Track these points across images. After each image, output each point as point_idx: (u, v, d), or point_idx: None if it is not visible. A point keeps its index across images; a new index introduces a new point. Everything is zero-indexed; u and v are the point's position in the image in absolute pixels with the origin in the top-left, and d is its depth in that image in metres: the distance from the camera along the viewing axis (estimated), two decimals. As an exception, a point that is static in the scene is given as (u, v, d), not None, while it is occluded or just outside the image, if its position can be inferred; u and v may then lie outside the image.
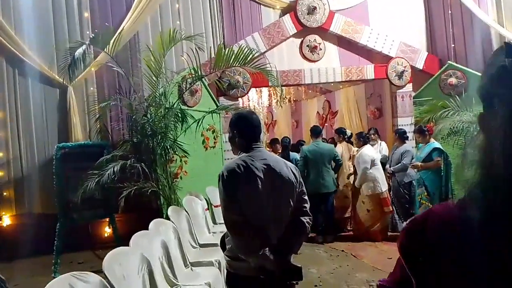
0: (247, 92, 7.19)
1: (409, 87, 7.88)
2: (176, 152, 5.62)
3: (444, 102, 7.09)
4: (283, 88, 9.86)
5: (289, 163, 2.37)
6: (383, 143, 7.47)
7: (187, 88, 5.66)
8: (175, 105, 5.61)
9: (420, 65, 7.91)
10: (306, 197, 2.37)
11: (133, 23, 6.55)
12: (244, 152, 2.27)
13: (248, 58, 5.02)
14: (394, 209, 7.02)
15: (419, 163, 6.16)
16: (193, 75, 5.35)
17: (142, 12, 6.61)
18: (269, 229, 2.18)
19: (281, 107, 11.21)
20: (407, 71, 7.75)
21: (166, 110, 5.44)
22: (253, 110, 11.92)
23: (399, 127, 7.51)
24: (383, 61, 7.81)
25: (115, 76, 6.36)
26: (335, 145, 7.34)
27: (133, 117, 5.21)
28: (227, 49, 5.03)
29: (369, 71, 7.70)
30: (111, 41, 5.31)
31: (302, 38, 7.51)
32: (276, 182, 2.22)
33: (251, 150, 2.27)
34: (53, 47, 6.33)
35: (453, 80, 7.40)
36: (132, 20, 6.55)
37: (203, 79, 6.32)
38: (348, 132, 7.70)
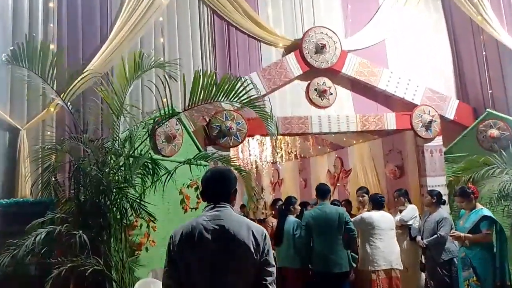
0: (242, 141, 5.90)
1: (439, 140, 6.54)
2: (141, 215, 4.26)
3: (486, 158, 5.69)
4: (287, 139, 8.63)
5: (254, 227, 2.17)
6: (410, 205, 5.99)
7: (154, 130, 4.42)
8: (144, 154, 4.36)
9: (450, 114, 6.63)
10: (270, 269, 2.12)
11: (106, 57, 5.47)
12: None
13: (238, 90, 3.79)
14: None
15: (463, 234, 4.66)
16: (165, 114, 4.11)
17: (119, 46, 5.56)
18: None
19: (281, 161, 9.85)
20: (435, 121, 6.46)
21: (130, 160, 4.17)
22: (255, 165, 10.66)
23: (430, 189, 6.07)
24: (406, 109, 6.57)
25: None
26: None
27: (79, 166, 3.91)
28: (207, 75, 3.82)
29: (390, 120, 6.43)
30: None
31: (309, 81, 6.36)
32: (229, 246, 2.07)
33: (211, 209, 2.17)
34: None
35: (494, 132, 6.06)
36: (106, 54, 5.48)
37: (185, 124, 5.11)
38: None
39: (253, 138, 9.36)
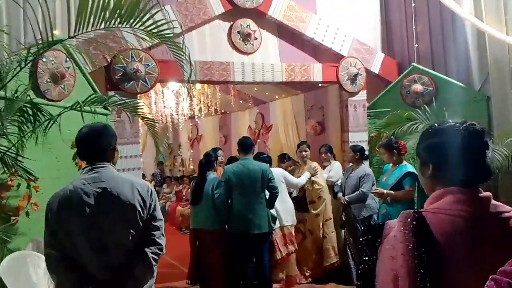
0: (152, 87, 5.05)
1: (363, 94, 6.31)
2: (18, 173, 3.35)
3: (409, 113, 5.56)
4: (206, 90, 7.90)
5: (139, 184, 2.09)
6: (336, 163, 5.74)
7: (33, 65, 3.45)
8: (20, 96, 3.38)
9: (375, 68, 6.41)
10: (158, 223, 2.08)
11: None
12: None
13: (140, 13, 2.94)
14: (348, 252, 5.28)
15: (385, 191, 4.47)
16: (44, 43, 3.14)
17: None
18: (99, 263, 1.95)
19: (200, 115, 9.09)
20: (361, 74, 6.18)
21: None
22: (171, 119, 9.78)
23: (352, 144, 5.86)
24: (332, 60, 6.18)
25: None
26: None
27: None
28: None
29: (316, 71, 6.00)
30: None
31: (232, 22, 5.62)
32: (113, 208, 1.99)
33: (89, 171, 2.05)
34: None
35: (418, 87, 5.95)
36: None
37: (78, 62, 4.13)
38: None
39: (168, 88, 8.45)
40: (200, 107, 8.55)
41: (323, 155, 5.70)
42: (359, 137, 6.17)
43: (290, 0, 5.79)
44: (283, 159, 5.82)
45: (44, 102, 3.77)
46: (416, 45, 6.28)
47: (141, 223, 2.01)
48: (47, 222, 2.04)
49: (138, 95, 5.23)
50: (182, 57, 3.29)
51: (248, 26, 5.64)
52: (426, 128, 1.30)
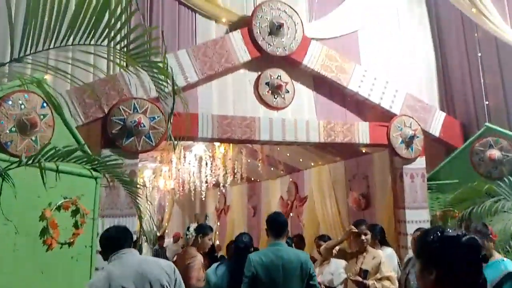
0: (157, 145, 4.04)
1: (421, 162, 5.07)
2: None
3: (490, 186, 4.22)
4: (229, 153, 6.89)
5: (164, 264, 2.47)
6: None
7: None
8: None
9: (435, 130, 5.22)
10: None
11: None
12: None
13: (113, 23, 1.99)
14: None
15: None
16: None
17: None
18: None
19: (225, 183, 7.95)
20: (418, 137, 5.01)
21: None
22: (193, 187, 8.76)
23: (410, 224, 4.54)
24: (380, 119, 5.08)
25: None
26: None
27: None
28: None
29: (362, 131, 4.88)
30: None
31: (259, 72, 4.73)
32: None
33: (117, 258, 2.39)
34: None
35: (495, 153, 4.65)
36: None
37: (58, 106, 3.25)
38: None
39: (191, 152, 7.55)
40: (225, 173, 7.50)
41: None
42: (418, 216, 4.85)
43: (329, 48, 4.88)
44: (322, 241, 4.52)
45: (4, 158, 2.84)
46: (487, 102, 5.09)
47: None
48: None
49: (145, 155, 4.30)
50: (162, 83, 2.24)
51: (279, 77, 4.72)
52: (429, 235, 1.31)
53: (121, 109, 3.86)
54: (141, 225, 2.84)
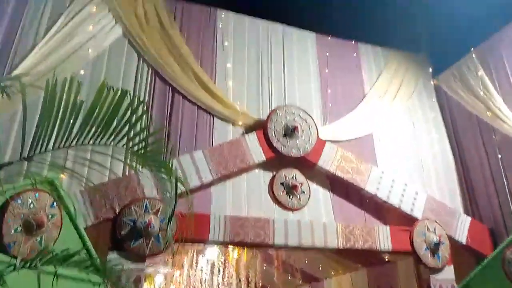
0: (166, 248, 3.86)
1: (450, 272, 4.67)
2: None
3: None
4: (242, 258, 6.53)
5: None
6: None
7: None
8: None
9: (461, 236, 4.89)
10: None
11: None
12: None
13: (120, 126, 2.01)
14: None
15: None
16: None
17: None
18: None
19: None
20: (443, 243, 4.69)
21: None
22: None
23: None
24: (403, 223, 4.83)
25: None
26: None
27: None
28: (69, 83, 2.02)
29: (383, 236, 4.61)
30: None
31: (274, 172, 4.70)
32: None
33: None
34: None
35: (531, 262, 4.26)
36: None
37: (67, 204, 3.21)
38: None
39: (203, 256, 7.21)
40: (239, 281, 7.03)
41: None
42: (452, 334, 4.30)
43: (344, 150, 4.88)
44: None
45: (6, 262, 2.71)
46: (514, 206, 4.84)
47: None
48: None
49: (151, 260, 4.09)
50: (168, 183, 2.17)
51: (294, 177, 4.67)
52: None
53: (133, 209, 3.79)
54: None
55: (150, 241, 3.74)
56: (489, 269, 4.59)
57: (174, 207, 2.05)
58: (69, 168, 2.31)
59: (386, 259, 5.99)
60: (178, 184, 2.25)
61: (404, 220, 4.84)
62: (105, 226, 3.80)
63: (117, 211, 3.79)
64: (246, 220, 4.20)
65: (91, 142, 1.98)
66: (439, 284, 4.54)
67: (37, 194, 3.03)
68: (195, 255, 7.19)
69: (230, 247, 6.43)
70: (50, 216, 3.08)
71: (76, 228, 3.31)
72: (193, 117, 4.64)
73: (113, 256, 3.54)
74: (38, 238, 3.00)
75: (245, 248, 6.63)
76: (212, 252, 7.03)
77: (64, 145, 1.97)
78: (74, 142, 1.97)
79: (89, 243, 3.32)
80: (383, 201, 4.80)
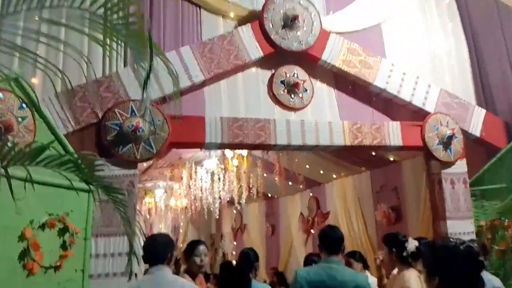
0: (159, 153, 3.54)
1: (462, 166, 4.45)
2: None
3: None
4: (243, 165, 6.34)
5: (187, 285, 2.51)
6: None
7: None
8: None
9: (475, 129, 4.60)
10: None
11: None
12: None
13: None
14: None
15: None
16: None
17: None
18: None
19: (240, 199, 7.32)
20: (457, 137, 4.40)
21: None
22: (203, 205, 8.22)
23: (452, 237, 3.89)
24: (413, 119, 4.50)
25: None
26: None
27: None
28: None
29: (393, 132, 4.29)
30: None
31: (273, 69, 4.23)
32: None
33: (148, 274, 2.55)
34: None
35: (550, 152, 4.02)
36: None
37: (39, 107, 2.80)
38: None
39: (202, 167, 7.05)
40: (240, 187, 6.94)
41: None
42: (461, 227, 4.20)
43: (350, 42, 4.36)
44: (353, 258, 3.90)
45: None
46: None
47: None
48: None
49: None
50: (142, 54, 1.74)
51: (295, 75, 4.21)
52: (432, 245, 1.58)
53: (117, 112, 3.40)
54: (131, 245, 2.34)
55: (140, 146, 3.41)
56: (504, 161, 4.39)
57: (150, 66, 1.62)
58: (46, 60, 1.85)
59: (392, 159, 5.83)
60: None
61: (415, 117, 4.51)
62: (88, 133, 3.45)
63: (100, 115, 3.41)
64: (245, 121, 3.83)
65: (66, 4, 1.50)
66: (450, 178, 4.34)
67: (1, 94, 2.60)
68: (193, 166, 7.02)
69: (229, 155, 6.22)
70: (20, 119, 2.69)
71: (53, 131, 2.94)
72: (177, 10, 4.04)
73: (100, 162, 3.21)
74: (10, 144, 2.64)
75: (245, 157, 6.43)
76: (211, 163, 6.85)
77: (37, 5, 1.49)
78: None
79: (70, 147, 2.98)
80: (393, 96, 4.41)
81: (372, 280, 3.77)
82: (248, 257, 3.50)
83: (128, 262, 2.31)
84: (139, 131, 3.35)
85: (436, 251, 1.50)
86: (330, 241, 2.75)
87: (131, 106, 3.44)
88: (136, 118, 3.41)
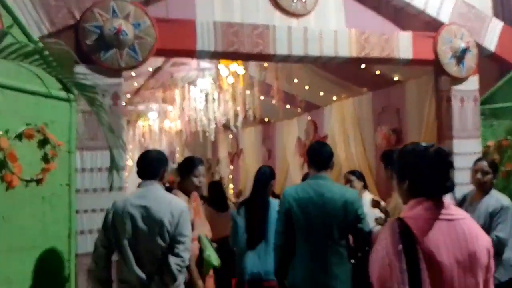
0: (144, 60, 3.16)
1: (474, 82, 4.15)
2: None
3: None
4: (237, 86, 5.99)
5: (174, 203, 2.46)
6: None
7: None
8: None
9: (490, 43, 4.22)
10: (183, 239, 2.41)
11: None
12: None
13: None
14: None
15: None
16: None
17: None
18: (135, 263, 2.38)
19: (235, 122, 7.06)
20: (471, 51, 4.04)
21: None
22: (198, 127, 7.99)
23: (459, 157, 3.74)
24: (426, 29, 4.11)
25: None
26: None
27: None
28: None
29: (403, 43, 3.92)
30: None
31: (273, -30, 3.73)
32: (148, 221, 2.38)
33: (139, 187, 2.52)
34: None
35: None
36: None
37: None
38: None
39: (195, 86, 6.69)
40: (236, 108, 6.66)
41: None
42: (468, 147, 4.01)
43: None
44: (353, 175, 3.76)
45: None
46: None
47: (168, 237, 2.38)
48: (103, 221, 2.48)
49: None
50: None
51: (298, -24, 3.73)
52: (402, 150, 1.50)
53: (96, 13, 2.99)
54: (112, 160, 2.15)
55: (124, 52, 3.05)
56: (517, 79, 4.09)
57: None
58: None
59: (396, 79, 5.51)
60: None
61: (427, 27, 4.10)
62: (67, 37, 3.06)
63: (78, 16, 3.00)
64: (240, 27, 3.43)
65: None
66: (460, 96, 4.07)
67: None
68: (186, 86, 6.68)
69: (224, 74, 5.85)
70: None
71: (21, 27, 2.57)
72: None
73: (81, 69, 2.88)
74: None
75: (241, 76, 6.06)
76: (204, 82, 6.50)
77: None
78: None
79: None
80: (405, 4, 3.97)
81: (368, 197, 3.70)
82: (264, 174, 3.56)
83: (110, 174, 2.15)
84: (122, 34, 2.98)
85: (404, 154, 1.47)
86: (318, 156, 2.66)
87: (112, 6, 3.02)
88: (119, 20, 3.01)
